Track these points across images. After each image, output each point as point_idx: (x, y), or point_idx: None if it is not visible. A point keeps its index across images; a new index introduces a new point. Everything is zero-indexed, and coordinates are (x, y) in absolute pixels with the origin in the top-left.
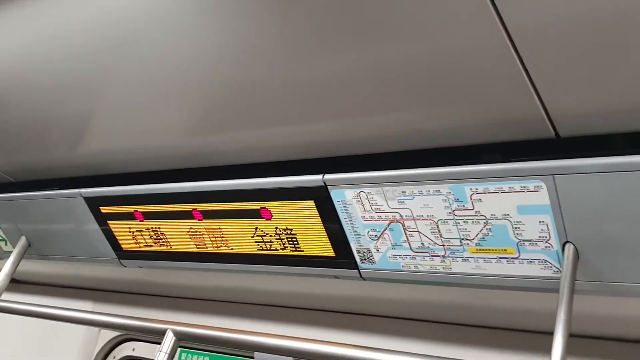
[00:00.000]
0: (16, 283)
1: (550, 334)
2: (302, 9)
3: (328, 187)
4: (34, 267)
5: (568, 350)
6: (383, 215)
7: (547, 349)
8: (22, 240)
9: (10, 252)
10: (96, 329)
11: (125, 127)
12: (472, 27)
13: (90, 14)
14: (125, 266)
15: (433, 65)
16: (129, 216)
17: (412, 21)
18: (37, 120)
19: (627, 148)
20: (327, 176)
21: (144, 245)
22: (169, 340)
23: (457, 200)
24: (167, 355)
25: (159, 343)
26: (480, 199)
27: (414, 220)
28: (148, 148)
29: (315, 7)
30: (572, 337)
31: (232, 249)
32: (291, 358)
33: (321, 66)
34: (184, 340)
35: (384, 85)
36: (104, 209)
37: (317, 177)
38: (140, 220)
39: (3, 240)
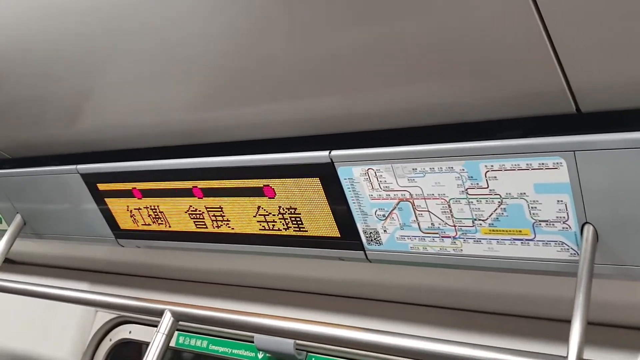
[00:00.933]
0: (12, 263)
1: (568, 321)
2: None
3: (335, 163)
4: (30, 248)
5: (587, 338)
6: (392, 193)
7: (565, 337)
8: (18, 219)
9: (5, 230)
10: (92, 311)
11: (124, 103)
12: (507, 11)
13: None
14: (122, 246)
15: (449, 37)
16: (127, 194)
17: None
18: (33, 96)
19: None
20: (334, 152)
21: (142, 224)
22: (167, 320)
23: (470, 177)
24: (164, 335)
25: (156, 326)
26: (495, 177)
27: (425, 199)
28: (147, 124)
29: None
30: (590, 325)
31: (233, 228)
32: (292, 340)
33: (329, 39)
34: (182, 322)
35: (395, 58)
36: (102, 186)
37: (324, 154)
38: (139, 198)
39: None
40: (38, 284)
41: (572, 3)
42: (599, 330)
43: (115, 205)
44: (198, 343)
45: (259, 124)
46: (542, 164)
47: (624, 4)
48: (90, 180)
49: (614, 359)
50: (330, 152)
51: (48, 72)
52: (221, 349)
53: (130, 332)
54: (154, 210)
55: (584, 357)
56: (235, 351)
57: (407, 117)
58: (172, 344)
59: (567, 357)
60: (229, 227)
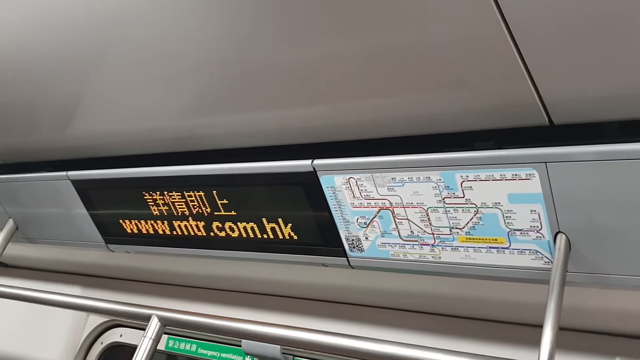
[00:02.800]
0: (4, 267)
1: (540, 326)
2: None
3: (317, 172)
4: (23, 252)
5: (558, 343)
6: (372, 202)
7: (537, 342)
8: (10, 223)
9: None
10: (84, 315)
11: (113, 111)
12: (468, 12)
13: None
14: (112, 251)
15: (425, 51)
16: (117, 200)
17: (405, 6)
18: (25, 102)
19: (622, 136)
20: (317, 162)
21: (131, 230)
22: (153, 325)
23: (447, 187)
24: (151, 340)
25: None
26: (471, 187)
27: (404, 207)
28: (136, 132)
29: None
30: (562, 330)
31: (219, 234)
32: (278, 345)
33: (311, 51)
34: (169, 326)
35: (374, 70)
36: (92, 192)
37: (307, 163)
38: (128, 204)
39: None
40: (30, 288)
41: (541, 21)
42: (571, 336)
43: (105, 211)
44: (187, 347)
45: (245, 133)
46: (515, 174)
47: (591, 21)
48: (81, 186)
49: None
50: (312, 161)
51: (40, 80)
52: (210, 353)
53: (121, 336)
54: (143, 217)
55: None
56: (223, 355)
57: (387, 127)
58: (162, 347)
59: None
60: (216, 233)
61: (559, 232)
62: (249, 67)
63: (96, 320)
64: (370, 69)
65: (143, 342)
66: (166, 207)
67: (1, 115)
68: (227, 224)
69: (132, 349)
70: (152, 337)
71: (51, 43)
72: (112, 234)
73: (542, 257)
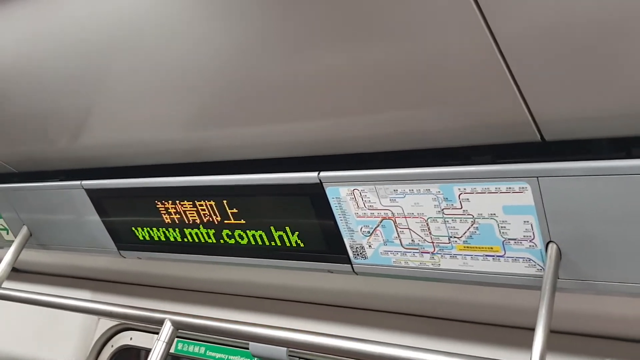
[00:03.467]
0: (18, 272)
1: (533, 329)
2: (299, 12)
3: (323, 184)
4: (36, 257)
5: (549, 346)
6: (375, 212)
7: (530, 344)
8: (24, 230)
9: (12, 241)
10: (95, 318)
11: (125, 122)
12: (461, 35)
13: (93, 11)
14: (124, 257)
15: (424, 70)
16: (129, 208)
17: (405, 29)
18: (40, 112)
19: (608, 153)
20: (323, 174)
21: (143, 237)
22: (167, 329)
23: (446, 199)
24: (165, 344)
25: (156, 333)
26: (468, 199)
27: (405, 217)
28: (147, 142)
29: (312, 11)
30: (553, 333)
31: (228, 242)
32: (284, 348)
33: (318, 67)
34: (181, 330)
35: (377, 87)
36: (105, 201)
37: (313, 175)
38: (140, 213)
39: (5, 229)
40: (43, 293)
41: (531, 43)
42: (563, 338)
43: (118, 219)
44: (196, 349)
45: (254, 145)
46: (509, 187)
47: (580, 42)
48: (94, 195)
49: None
50: (319, 174)
51: (55, 90)
52: (218, 355)
53: (131, 339)
54: (155, 224)
55: None
56: (231, 357)
57: (389, 141)
58: (171, 350)
59: None
60: (225, 240)
61: (550, 241)
62: (258, 82)
63: (107, 323)
64: (372, 86)
65: (157, 346)
66: (178, 216)
67: (17, 125)
68: (237, 232)
69: (141, 351)
70: (166, 341)
71: (66, 57)
72: (124, 241)
73: (534, 265)
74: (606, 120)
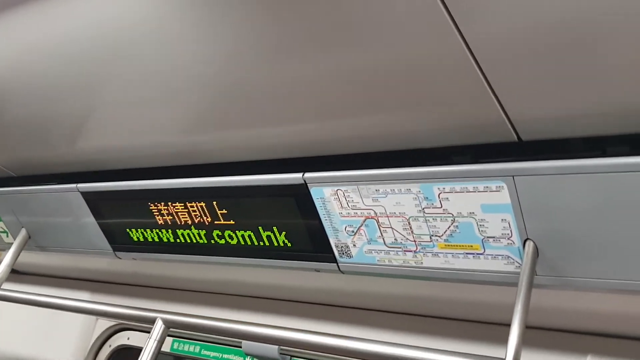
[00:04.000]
0: (18, 274)
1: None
2: (283, 21)
3: (308, 184)
4: (35, 259)
5: (529, 341)
6: (359, 212)
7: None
8: (23, 233)
9: (11, 243)
10: (93, 319)
11: (119, 127)
12: (433, 40)
13: (90, 18)
14: (120, 258)
15: (401, 74)
16: (124, 210)
17: (381, 36)
18: (37, 117)
19: (584, 152)
20: (307, 174)
21: (137, 238)
22: (158, 328)
23: (426, 198)
24: (156, 342)
25: None
26: (447, 198)
27: (387, 217)
28: (141, 146)
29: (295, 19)
30: (531, 329)
31: (219, 242)
32: (276, 346)
33: (301, 73)
34: (173, 329)
35: (358, 91)
36: (100, 203)
37: (298, 175)
38: (134, 214)
39: (4, 232)
40: (39, 293)
41: (502, 46)
42: (546, 335)
43: (112, 221)
44: (191, 348)
45: (241, 147)
46: (487, 187)
47: (550, 44)
48: (90, 197)
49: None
50: (303, 174)
51: (52, 96)
52: (212, 354)
53: (128, 339)
54: (148, 225)
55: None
56: (225, 356)
57: (371, 142)
58: (167, 349)
59: (505, 358)
60: (217, 241)
61: (527, 238)
62: (245, 88)
63: (105, 324)
64: (353, 90)
65: (148, 344)
66: (170, 217)
67: (14, 130)
68: (227, 232)
69: (138, 351)
70: (157, 339)
71: (63, 62)
72: (120, 242)
73: (513, 262)
74: (581, 120)
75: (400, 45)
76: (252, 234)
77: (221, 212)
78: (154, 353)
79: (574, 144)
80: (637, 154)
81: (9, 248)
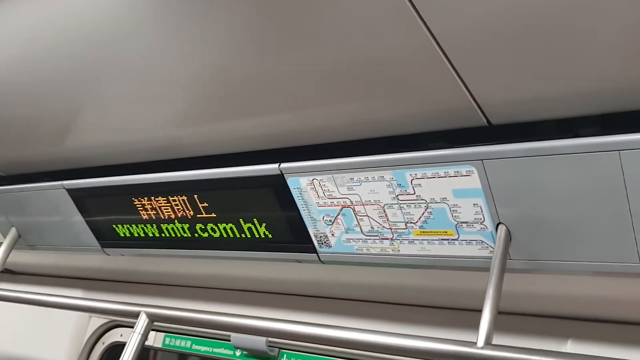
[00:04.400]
0: (11, 274)
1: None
2: (257, 17)
3: (284, 175)
4: (27, 259)
5: (505, 326)
6: (335, 201)
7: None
8: (12, 232)
9: (1, 242)
10: (86, 317)
11: (103, 124)
12: (398, 30)
13: (74, 14)
14: (108, 254)
15: (370, 64)
16: (109, 206)
17: (350, 30)
18: (23, 116)
19: (555, 134)
20: (283, 165)
21: (124, 234)
22: (142, 321)
23: (399, 185)
24: (140, 335)
25: None
26: (420, 184)
27: (363, 205)
28: (122, 142)
29: (269, 15)
30: (511, 314)
31: (202, 235)
32: (264, 338)
33: (276, 65)
34: (157, 322)
35: (329, 82)
36: (86, 200)
37: (274, 166)
38: (119, 210)
39: None
40: (28, 291)
41: (465, 33)
42: (521, 320)
43: (99, 217)
44: (182, 343)
45: (220, 140)
46: (457, 171)
47: (512, 30)
48: (76, 194)
49: (523, 343)
50: (279, 165)
51: (37, 95)
52: (203, 348)
53: (121, 335)
54: (134, 221)
55: (493, 342)
56: (215, 350)
57: (345, 131)
58: (159, 344)
59: (476, 342)
60: (200, 234)
61: (499, 223)
62: (222, 82)
63: (98, 321)
64: (325, 81)
65: (132, 337)
66: (154, 212)
67: (3, 130)
68: (209, 226)
69: None
70: (141, 332)
71: (48, 62)
72: (107, 239)
73: (487, 247)
74: (551, 102)
75: (368, 39)
76: (233, 226)
77: (202, 205)
78: (138, 346)
79: (544, 126)
80: (608, 134)
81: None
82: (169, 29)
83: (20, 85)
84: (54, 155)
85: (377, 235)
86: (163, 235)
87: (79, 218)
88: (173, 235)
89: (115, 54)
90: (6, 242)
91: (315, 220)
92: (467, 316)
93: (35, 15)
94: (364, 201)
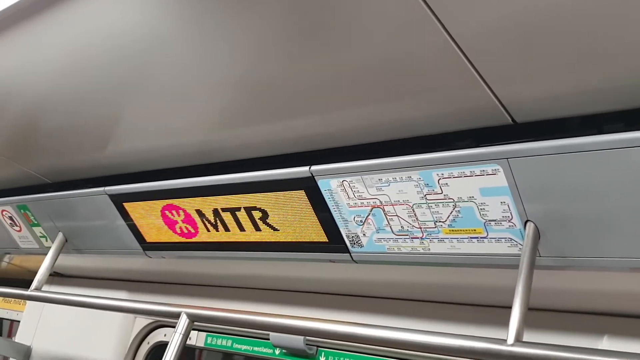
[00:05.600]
0: (60, 277)
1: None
2: (286, 21)
3: (315, 177)
4: (76, 262)
5: (529, 323)
6: (365, 201)
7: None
8: (60, 236)
9: (50, 247)
10: (132, 318)
11: (141, 131)
12: (419, 34)
13: (112, 27)
14: (150, 257)
15: (392, 66)
16: (149, 210)
17: (373, 34)
18: (67, 126)
19: (580, 130)
20: (314, 167)
21: (164, 237)
22: (183, 322)
23: (427, 185)
24: (181, 335)
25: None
26: (447, 183)
27: (392, 205)
28: (159, 148)
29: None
30: (544, 311)
31: (239, 237)
32: (302, 337)
33: (303, 69)
34: (197, 322)
35: (355, 85)
36: (127, 205)
37: (305, 169)
38: (158, 214)
39: (44, 237)
40: (74, 294)
41: (484, 34)
42: (556, 316)
43: (140, 221)
44: (223, 342)
45: (253, 144)
46: (483, 170)
47: (532, 25)
48: (117, 199)
49: (553, 340)
50: (310, 167)
51: (79, 106)
52: (243, 347)
53: (164, 335)
54: (174, 224)
55: (524, 340)
56: (255, 348)
57: (372, 133)
58: (202, 344)
59: (506, 339)
60: (237, 236)
61: (527, 220)
62: (254, 87)
63: (142, 322)
64: (350, 83)
65: (174, 337)
66: (192, 215)
67: (48, 139)
68: (245, 227)
69: None
70: (182, 332)
71: (88, 74)
72: (148, 242)
73: (516, 244)
74: (576, 98)
75: (391, 42)
76: (268, 228)
77: (237, 207)
78: (179, 346)
79: (569, 123)
80: (633, 130)
81: (48, 252)
82: (200, 37)
83: (64, 97)
84: (96, 162)
85: (407, 235)
86: (201, 237)
87: (121, 222)
88: (210, 238)
89: (150, 64)
90: (54, 246)
91: (346, 220)
92: (497, 313)
93: (76, 31)
94: (393, 201)
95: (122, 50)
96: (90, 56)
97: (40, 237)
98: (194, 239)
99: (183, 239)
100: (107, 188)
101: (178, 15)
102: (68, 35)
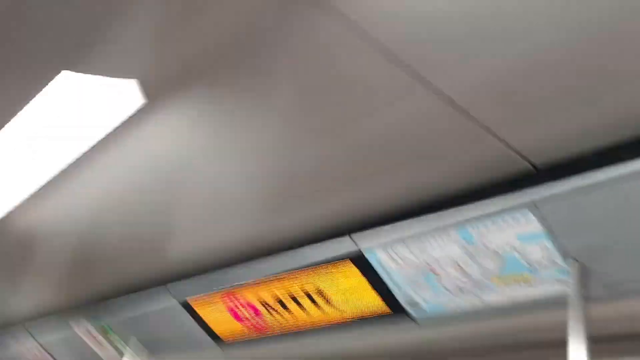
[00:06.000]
0: None
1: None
2: (290, 121)
3: (361, 249)
4: None
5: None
6: (413, 264)
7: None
8: (133, 340)
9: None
10: None
11: (190, 236)
12: (419, 107)
13: (151, 155)
14: (227, 351)
15: (394, 137)
16: (214, 304)
17: (382, 115)
18: (130, 237)
19: (598, 164)
20: (360, 245)
21: (234, 329)
22: None
23: (466, 240)
24: None
25: None
26: (485, 236)
27: (440, 265)
28: (209, 248)
29: (319, 111)
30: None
31: (305, 319)
32: None
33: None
34: None
35: (380, 156)
36: (192, 302)
37: (347, 239)
38: (223, 307)
39: (120, 342)
40: None
41: (485, 91)
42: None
43: (208, 317)
44: None
45: (295, 227)
46: (515, 218)
47: (532, 73)
48: (179, 295)
49: None
50: (356, 243)
51: (140, 220)
52: None
53: None
54: (237, 315)
55: None
56: None
57: (404, 197)
58: None
59: None
60: (302, 318)
61: (570, 257)
62: (289, 176)
63: None
64: (362, 159)
65: None
66: (256, 303)
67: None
68: (310, 309)
69: None
70: None
71: (138, 196)
72: (221, 336)
73: (564, 282)
74: (588, 131)
75: (393, 119)
76: (329, 307)
77: (297, 289)
78: None
79: (588, 159)
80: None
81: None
82: (229, 144)
83: (122, 217)
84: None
85: (460, 290)
86: (270, 323)
87: (188, 318)
88: (276, 324)
89: (183, 179)
90: (129, 350)
91: (399, 286)
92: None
93: (122, 161)
94: (439, 261)
95: (164, 174)
96: (136, 181)
97: (117, 341)
98: (263, 326)
99: (252, 328)
100: (169, 285)
101: (205, 134)
102: (117, 167)
